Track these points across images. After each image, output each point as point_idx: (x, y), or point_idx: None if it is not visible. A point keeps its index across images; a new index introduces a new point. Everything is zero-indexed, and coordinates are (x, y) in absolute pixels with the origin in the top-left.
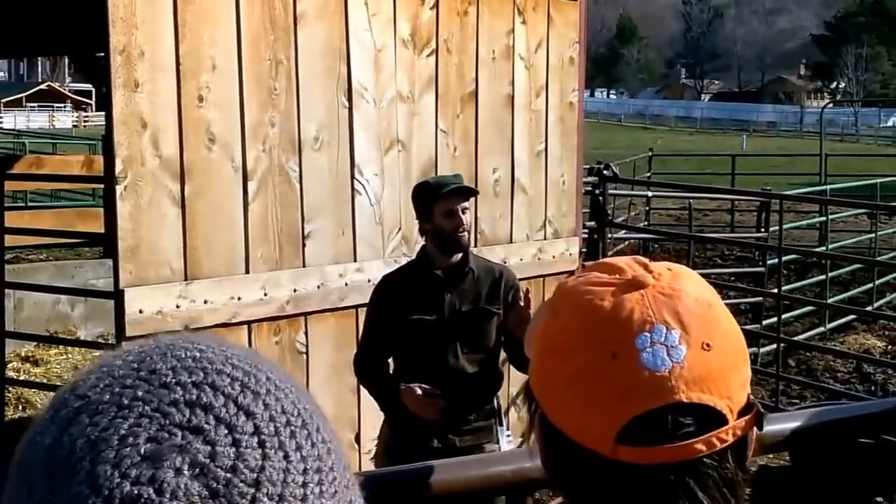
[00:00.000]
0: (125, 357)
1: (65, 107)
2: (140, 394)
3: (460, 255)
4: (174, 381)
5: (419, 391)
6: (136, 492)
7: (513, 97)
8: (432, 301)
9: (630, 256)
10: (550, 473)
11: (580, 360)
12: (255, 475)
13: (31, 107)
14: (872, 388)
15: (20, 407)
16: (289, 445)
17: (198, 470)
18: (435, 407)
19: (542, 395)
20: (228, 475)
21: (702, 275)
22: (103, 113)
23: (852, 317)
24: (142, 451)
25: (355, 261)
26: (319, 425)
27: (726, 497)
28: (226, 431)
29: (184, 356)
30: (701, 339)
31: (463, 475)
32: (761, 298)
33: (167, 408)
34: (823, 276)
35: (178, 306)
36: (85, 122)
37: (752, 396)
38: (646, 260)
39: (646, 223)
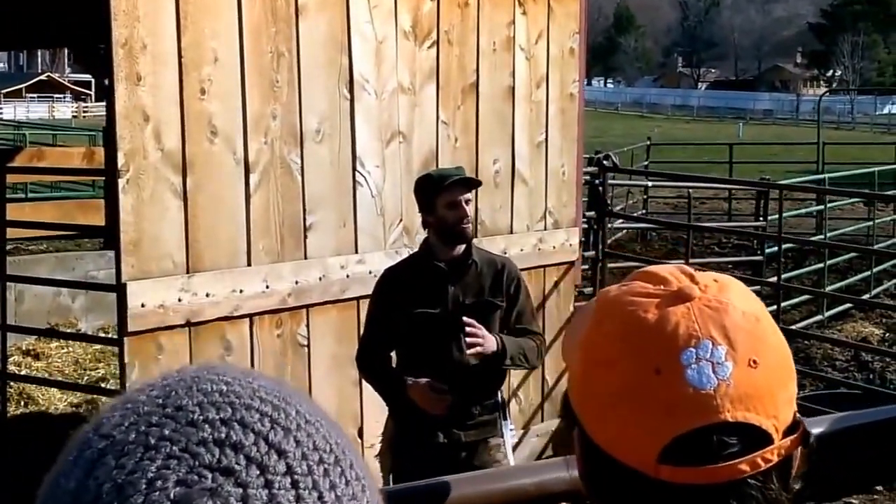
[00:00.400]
0: (149, 392)
1: (64, 97)
2: (167, 433)
3: (463, 247)
4: (201, 418)
5: (427, 386)
6: None
7: (513, 88)
8: (436, 294)
9: (675, 265)
10: (588, 488)
11: (623, 375)
12: None
13: (30, 97)
14: (871, 376)
15: (22, 403)
16: (322, 485)
17: None
18: (442, 402)
19: (583, 410)
20: None
21: (700, 263)
22: (103, 103)
23: (849, 305)
24: (171, 495)
25: (357, 252)
26: (352, 461)
27: None
28: (257, 472)
29: (210, 390)
30: (748, 356)
31: (485, 489)
32: (759, 287)
33: (196, 448)
34: (821, 265)
35: (180, 300)
36: (85, 112)
37: (798, 413)
38: (691, 270)
39: (643, 212)
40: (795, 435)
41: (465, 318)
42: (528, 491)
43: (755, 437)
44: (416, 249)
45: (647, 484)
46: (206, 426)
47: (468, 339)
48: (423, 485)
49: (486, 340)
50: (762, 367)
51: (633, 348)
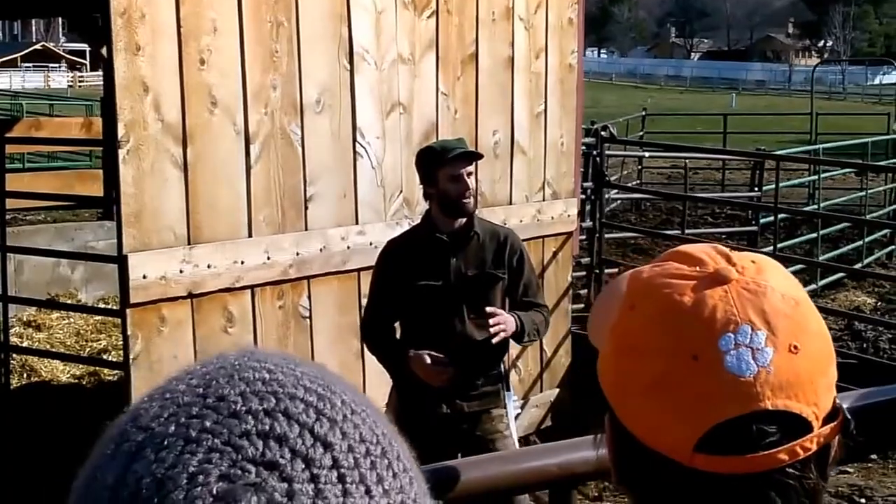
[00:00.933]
0: (188, 381)
1: (60, 67)
2: (208, 424)
3: (465, 219)
4: (244, 408)
5: (427, 358)
6: None
7: (513, 59)
8: (438, 266)
9: (710, 245)
10: (618, 474)
11: (659, 362)
12: None
13: (25, 67)
14: (864, 345)
15: (25, 375)
16: (369, 478)
17: None
18: (443, 374)
19: (615, 396)
20: None
21: (695, 234)
22: (98, 73)
23: (842, 274)
24: (214, 490)
25: (357, 224)
26: (399, 452)
27: None
28: (303, 466)
29: (252, 378)
30: (788, 341)
31: (510, 469)
32: None
33: (239, 440)
34: (814, 234)
35: (181, 271)
36: (80, 82)
37: (838, 400)
38: (727, 250)
39: (638, 182)
40: (835, 422)
41: (488, 309)
42: (552, 471)
43: (795, 425)
44: (415, 220)
45: (679, 472)
46: (249, 417)
47: (493, 329)
48: (448, 466)
49: (507, 324)
50: (803, 352)
51: (669, 334)
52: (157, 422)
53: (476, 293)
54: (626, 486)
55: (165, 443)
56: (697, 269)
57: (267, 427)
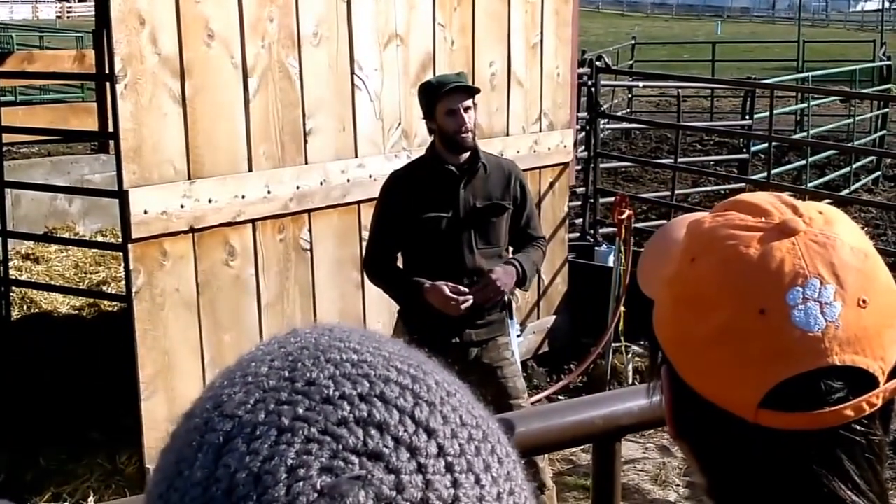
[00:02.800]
0: (271, 363)
1: None
2: (301, 412)
3: (468, 152)
4: (337, 393)
5: (447, 290)
6: None
7: None
8: (447, 197)
9: (773, 194)
10: (676, 428)
11: (724, 316)
12: None
13: None
14: None
15: (24, 307)
16: (477, 466)
17: None
18: (462, 304)
19: (674, 350)
20: None
21: (687, 162)
22: (86, 3)
23: (829, 201)
24: (317, 485)
25: (356, 157)
26: (499, 436)
27: (872, 464)
28: (408, 455)
29: (340, 360)
30: (857, 296)
31: (554, 423)
32: (745, 185)
33: (336, 429)
34: (803, 162)
35: (182, 206)
36: (68, 13)
37: None
38: (793, 200)
39: (628, 111)
40: None
41: (490, 275)
42: (596, 424)
43: (861, 381)
44: (413, 153)
45: (742, 428)
46: (345, 403)
47: (492, 292)
48: (498, 419)
49: (508, 278)
50: (871, 307)
51: (735, 287)
52: (243, 409)
53: (485, 224)
54: (684, 440)
55: (257, 432)
56: (763, 219)
57: (365, 413)
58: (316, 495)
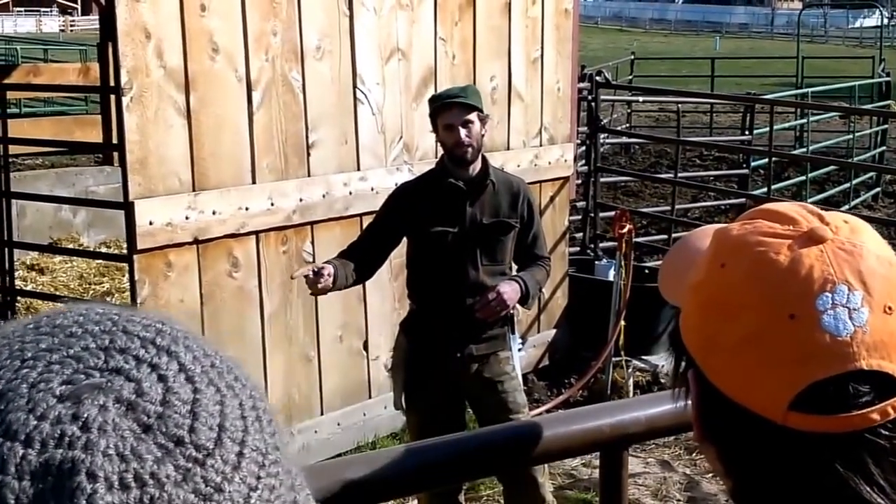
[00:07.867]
0: (20, 322)
1: (51, 11)
2: (44, 346)
3: (479, 166)
4: (81, 330)
5: (308, 269)
6: (58, 431)
7: (510, 4)
8: (453, 212)
9: (799, 204)
10: (703, 430)
11: (754, 320)
12: (190, 406)
13: (17, 11)
14: None
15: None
16: (219, 382)
17: (125, 406)
18: (318, 283)
19: (703, 354)
20: (160, 409)
21: (687, 177)
22: (90, 17)
23: None
24: (57, 392)
25: (359, 170)
26: (245, 380)
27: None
28: (149, 370)
29: (87, 313)
30: (883, 302)
31: (562, 431)
32: (745, 200)
33: (80, 353)
34: (803, 177)
35: (187, 217)
36: (72, 26)
37: None
38: (818, 209)
39: (627, 126)
40: None
41: (492, 294)
42: (603, 432)
43: (887, 385)
44: (415, 166)
45: (770, 430)
46: (88, 336)
47: (497, 307)
48: (500, 430)
49: (513, 294)
50: None
51: (765, 293)
52: None
53: (490, 240)
54: (711, 442)
55: (1, 366)
56: (791, 227)
57: (107, 342)
58: (55, 400)
